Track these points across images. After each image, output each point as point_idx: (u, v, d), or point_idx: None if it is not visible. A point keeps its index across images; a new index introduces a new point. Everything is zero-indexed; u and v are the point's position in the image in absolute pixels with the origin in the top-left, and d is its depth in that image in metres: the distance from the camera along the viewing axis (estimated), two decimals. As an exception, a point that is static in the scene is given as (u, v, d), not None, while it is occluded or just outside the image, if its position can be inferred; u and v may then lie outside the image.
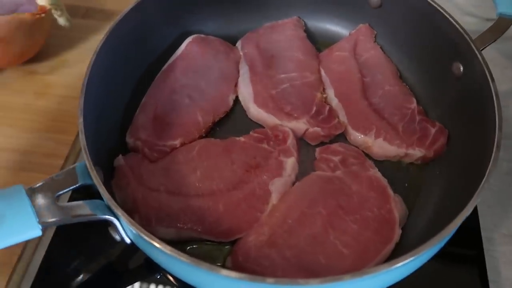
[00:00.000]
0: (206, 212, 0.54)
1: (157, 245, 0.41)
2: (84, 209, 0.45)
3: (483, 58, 0.55)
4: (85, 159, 0.46)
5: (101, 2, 0.86)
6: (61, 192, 0.45)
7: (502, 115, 0.72)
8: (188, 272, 0.43)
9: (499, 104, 0.50)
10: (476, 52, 0.55)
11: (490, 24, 0.61)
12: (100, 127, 0.56)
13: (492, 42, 0.58)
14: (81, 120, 0.49)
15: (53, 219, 0.43)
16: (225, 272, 0.39)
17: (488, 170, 0.45)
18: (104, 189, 0.44)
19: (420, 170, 0.62)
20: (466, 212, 0.43)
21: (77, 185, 0.47)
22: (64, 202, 0.46)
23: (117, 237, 0.47)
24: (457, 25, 0.59)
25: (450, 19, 0.60)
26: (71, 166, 0.47)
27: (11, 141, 0.67)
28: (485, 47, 0.58)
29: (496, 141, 0.47)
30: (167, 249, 0.40)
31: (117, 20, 0.59)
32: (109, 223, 0.46)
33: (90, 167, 0.45)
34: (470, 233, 0.59)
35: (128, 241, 0.47)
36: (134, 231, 0.42)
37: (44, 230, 0.43)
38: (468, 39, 0.57)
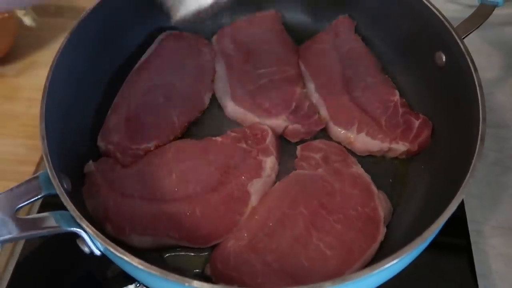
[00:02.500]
0: (182, 218, 0.52)
1: (124, 257, 0.38)
2: (48, 221, 0.42)
3: (465, 47, 0.53)
4: (47, 167, 0.43)
5: (72, 0, 0.83)
6: (21, 205, 0.42)
7: (488, 104, 0.71)
8: (160, 284, 0.41)
9: (482, 95, 0.49)
10: (458, 40, 0.53)
11: (471, 10, 0.59)
12: (68, 131, 0.53)
13: (474, 30, 0.56)
14: (42, 125, 0.46)
15: (10, 235, 0.40)
16: (197, 284, 0.37)
17: (472, 165, 0.43)
18: (67, 199, 0.41)
19: (404, 164, 0.60)
20: (450, 210, 0.41)
21: (40, 196, 0.44)
22: (27, 215, 0.43)
23: (86, 250, 0.44)
24: (438, 13, 0.57)
25: (431, 7, 0.58)
26: (33, 176, 0.44)
27: (-23, 148, 0.64)
28: (467, 35, 0.56)
29: (480, 133, 0.45)
30: (135, 261, 0.38)
31: (81, 17, 0.56)
32: (77, 236, 0.43)
33: (52, 175, 0.42)
34: (457, 226, 0.57)
35: (97, 253, 0.44)
36: (100, 244, 0.40)
37: (1, 245, 0.40)
38: (449, 27, 0.55)
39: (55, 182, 0.42)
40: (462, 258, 0.55)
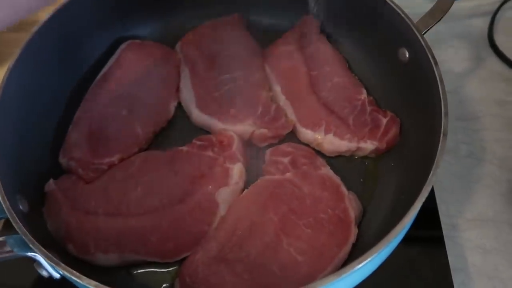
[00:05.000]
0: (148, 232, 0.50)
1: (80, 281, 0.37)
2: (1, 246, 0.40)
3: (425, 42, 0.52)
4: (-2, 190, 0.41)
5: (35, 14, 0.80)
6: (-29, 230, 0.40)
7: (458, 97, 0.71)
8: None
9: (443, 89, 0.48)
10: (418, 36, 0.53)
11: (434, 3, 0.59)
12: (25, 149, 0.51)
13: (434, 24, 0.56)
14: (-8, 146, 0.44)
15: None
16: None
17: (435, 161, 0.43)
18: (19, 222, 0.39)
19: (374, 163, 0.59)
20: (414, 210, 0.40)
21: (-7, 220, 0.42)
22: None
23: (44, 273, 0.42)
24: (398, 10, 0.56)
25: (391, 3, 0.57)
26: (-17, 200, 0.42)
27: None
28: (427, 30, 0.55)
29: (442, 128, 0.45)
30: (92, 284, 0.36)
31: (34, 31, 0.54)
32: (33, 260, 0.42)
33: (3, 199, 0.40)
34: (430, 220, 0.56)
35: (56, 276, 0.43)
36: (56, 267, 0.38)
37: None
38: (409, 23, 0.55)
39: (5, 205, 0.40)
40: (437, 253, 0.54)
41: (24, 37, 0.78)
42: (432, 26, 0.55)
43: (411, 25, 0.54)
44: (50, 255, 0.38)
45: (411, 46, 0.56)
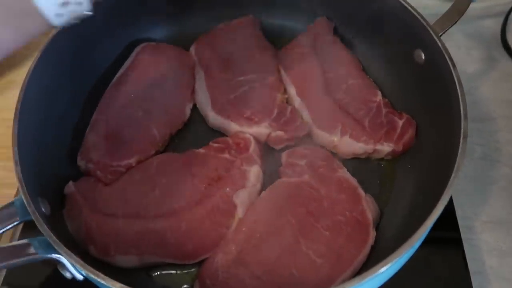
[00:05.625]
0: (167, 234, 0.50)
1: (106, 282, 0.37)
2: (26, 249, 0.41)
3: (442, 44, 0.52)
4: (21, 193, 0.41)
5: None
6: (-4, 233, 0.41)
7: (472, 98, 0.71)
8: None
9: (462, 92, 0.48)
10: (435, 38, 0.53)
11: (449, 6, 0.59)
12: (45, 153, 0.52)
13: (451, 26, 0.55)
14: (15, 149, 0.45)
15: (-11, 265, 0.39)
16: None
17: (456, 164, 0.43)
18: (44, 224, 0.40)
19: (391, 165, 0.59)
20: (437, 212, 0.40)
21: (17, 223, 0.42)
22: (6, 243, 0.41)
23: (68, 275, 0.43)
24: (413, 11, 0.56)
25: (406, 5, 0.57)
26: (8, 202, 0.43)
27: (-45, 172, 0.62)
28: (444, 32, 0.55)
29: (462, 131, 0.45)
30: (117, 286, 0.37)
31: (52, 35, 0.54)
32: (57, 262, 0.42)
33: (27, 201, 0.41)
34: (448, 222, 0.56)
35: (80, 277, 0.43)
36: (80, 269, 0.38)
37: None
38: (426, 25, 0.55)
39: (30, 208, 0.40)
40: (455, 255, 0.54)
41: (37, 41, 0.79)
42: (449, 28, 0.55)
43: (428, 27, 0.54)
44: (75, 257, 0.38)
45: (428, 48, 0.56)
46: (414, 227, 0.42)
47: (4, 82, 0.73)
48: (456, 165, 0.43)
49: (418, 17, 0.55)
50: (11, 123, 0.68)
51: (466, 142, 0.44)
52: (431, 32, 0.54)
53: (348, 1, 0.66)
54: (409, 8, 0.57)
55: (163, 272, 0.51)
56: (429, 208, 0.42)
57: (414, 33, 0.57)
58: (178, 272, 0.51)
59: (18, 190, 0.61)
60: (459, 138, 0.45)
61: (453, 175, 0.42)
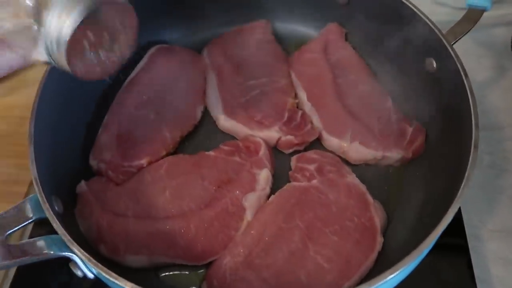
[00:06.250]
0: (177, 235, 0.51)
1: (118, 282, 0.38)
2: (39, 246, 0.42)
3: (455, 53, 0.53)
4: (37, 191, 0.42)
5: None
6: (11, 231, 0.41)
7: (481, 107, 0.71)
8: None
9: (474, 101, 0.48)
10: (448, 47, 0.53)
11: (461, 13, 0.59)
12: (58, 151, 0.53)
13: (464, 35, 0.56)
14: (31, 148, 0.45)
15: (3, 262, 0.39)
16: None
17: (466, 173, 0.43)
18: (58, 223, 0.40)
19: (399, 171, 0.59)
20: (446, 221, 0.40)
21: (30, 221, 0.43)
22: (17, 241, 0.42)
23: (79, 273, 0.43)
24: (426, 20, 0.57)
25: (419, 13, 0.57)
26: (22, 201, 0.43)
27: (-32, 169, 0.63)
28: (456, 41, 0.56)
29: (473, 140, 0.45)
30: (128, 286, 0.37)
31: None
32: (69, 259, 0.43)
33: (42, 200, 0.41)
34: (455, 229, 0.56)
35: (91, 276, 0.44)
36: (93, 268, 0.39)
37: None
38: (438, 33, 0.55)
39: (45, 206, 0.41)
40: (461, 262, 0.54)
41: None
42: (461, 37, 0.56)
43: (441, 36, 0.55)
44: (88, 256, 0.39)
45: (440, 57, 0.56)
46: (422, 234, 0.42)
47: (16, 81, 0.73)
48: (466, 175, 0.43)
49: (431, 25, 0.56)
50: (23, 121, 0.69)
51: (477, 152, 0.44)
52: (444, 41, 0.54)
53: (359, 9, 0.67)
54: (422, 16, 0.57)
55: (171, 272, 0.52)
56: (438, 217, 0.43)
57: (426, 41, 0.58)
58: (186, 273, 0.52)
59: (29, 188, 0.62)
60: (470, 148, 0.45)
61: (463, 184, 0.42)
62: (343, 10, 0.68)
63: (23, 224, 0.42)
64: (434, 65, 0.58)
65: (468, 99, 0.49)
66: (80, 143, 0.59)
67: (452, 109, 0.54)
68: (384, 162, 0.59)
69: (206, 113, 0.65)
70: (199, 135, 0.63)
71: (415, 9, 0.58)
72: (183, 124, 0.62)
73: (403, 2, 0.60)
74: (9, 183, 0.62)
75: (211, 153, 0.58)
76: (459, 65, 0.51)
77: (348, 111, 0.61)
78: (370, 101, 0.62)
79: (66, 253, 0.42)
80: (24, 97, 0.72)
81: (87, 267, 0.43)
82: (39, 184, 0.43)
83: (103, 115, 0.61)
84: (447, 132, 0.55)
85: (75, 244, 0.40)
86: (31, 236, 0.55)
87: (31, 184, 0.62)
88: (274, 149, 0.61)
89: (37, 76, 0.73)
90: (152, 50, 0.67)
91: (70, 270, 0.44)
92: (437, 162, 0.55)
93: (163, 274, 0.52)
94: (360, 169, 0.59)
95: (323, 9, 0.70)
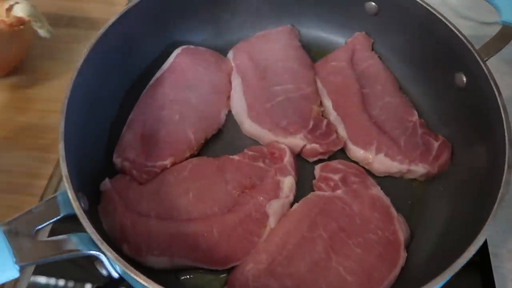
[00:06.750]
0: (199, 239, 0.51)
1: (146, 284, 0.38)
2: (67, 244, 0.42)
3: (488, 70, 0.52)
4: (68, 189, 0.42)
5: (85, 11, 0.82)
6: (40, 226, 0.41)
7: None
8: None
9: (507, 119, 0.48)
10: (481, 63, 0.53)
11: (485, 27, 0.59)
12: (85, 149, 0.53)
13: (497, 52, 0.55)
14: (61, 145, 0.45)
15: (32, 259, 0.39)
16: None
17: (500, 194, 0.42)
18: (89, 223, 0.40)
19: (423, 186, 0.59)
20: (477, 244, 0.40)
21: (59, 217, 0.43)
22: (44, 237, 0.42)
23: (104, 272, 0.43)
24: (459, 34, 0.56)
25: (451, 26, 0.57)
26: (52, 196, 0.43)
27: (-11, 160, 0.62)
28: (489, 58, 0.55)
29: (507, 159, 0.45)
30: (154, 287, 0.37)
31: (99, 34, 0.55)
32: (95, 258, 0.43)
33: (73, 198, 0.41)
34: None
35: (115, 275, 0.44)
36: (120, 268, 0.39)
37: (22, 270, 0.39)
38: (471, 49, 0.54)
39: (75, 204, 0.41)
40: (482, 281, 0.54)
41: (74, 33, 0.80)
42: (494, 54, 0.55)
43: (473, 51, 0.54)
44: (117, 256, 0.39)
45: (471, 72, 0.56)
46: (446, 251, 0.42)
47: (39, 74, 0.73)
48: (499, 195, 0.42)
49: (465, 41, 0.55)
50: (45, 114, 0.70)
51: (511, 172, 0.44)
52: (477, 57, 0.53)
53: (388, 19, 0.66)
54: (454, 30, 0.56)
55: (192, 275, 0.52)
56: (465, 236, 0.42)
57: (456, 55, 0.57)
58: (207, 277, 0.51)
59: (49, 181, 0.62)
60: (503, 167, 0.44)
61: (496, 205, 0.42)
62: (371, 19, 0.68)
63: (51, 220, 0.42)
64: (464, 80, 0.57)
65: (502, 117, 0.48)
66: (104, 141, 0.59)
67: (481, 126, 0.53)
68: (409, 176, 0.59)
69: (229, 116, 0.64)
70: (222, 138, 0.63)
71: (447, 22, 0.58)
72: (207, 126, 0.61)
73: (434, 14, 0.59)
74: (29, 175, 0.62)
75: (235, 157, 0.58)
76: (492, 82, 0.51)
77: (374, 122, 0.61)
78: (396, 113, 0.62)
79: (94, 251, 0.41)
80: (46, 90, 0.72)
81: (112, 266, 0.43)
82: (69, 181, 0.43)
83: (127, 114, 0.61)
84: (476, 149, 0.54)
85: (104, 243, 0.40)
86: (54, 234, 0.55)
87: (51, 177, 0.62)
88: (297, 157, 0.60)
89: (58, 70, 0.74)
90: (177, 50, 0.67)
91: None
92: (464, 179, 0.55)
93: (183, 277, 0.52)
94: (384, 181, 0.58)
95: (351, 18, 0.69)
